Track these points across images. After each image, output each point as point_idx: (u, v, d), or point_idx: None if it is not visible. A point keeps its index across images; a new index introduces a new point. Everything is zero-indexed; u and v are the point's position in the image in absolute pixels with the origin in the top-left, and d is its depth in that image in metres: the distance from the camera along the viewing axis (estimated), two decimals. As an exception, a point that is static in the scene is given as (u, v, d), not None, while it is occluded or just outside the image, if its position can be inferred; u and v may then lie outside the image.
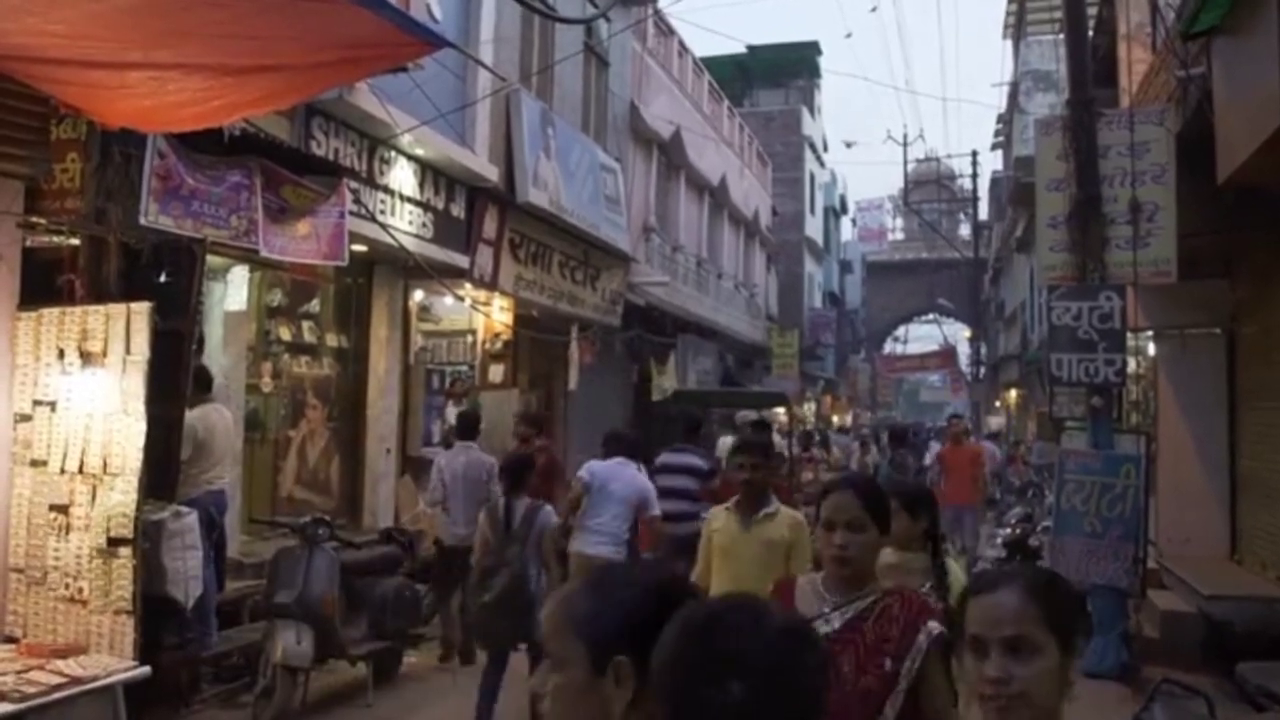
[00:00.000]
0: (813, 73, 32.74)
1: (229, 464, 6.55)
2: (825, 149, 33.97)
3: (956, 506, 10.31)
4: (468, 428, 7.65)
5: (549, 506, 5.82)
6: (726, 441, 11.75)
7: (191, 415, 5.58)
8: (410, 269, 9.37)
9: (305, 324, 9.06)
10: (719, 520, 4.07)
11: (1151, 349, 9.50)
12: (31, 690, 3.91)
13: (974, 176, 31.30)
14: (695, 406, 11.65)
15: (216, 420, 6.20)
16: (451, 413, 9.49)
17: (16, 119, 4.77)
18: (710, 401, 14.54)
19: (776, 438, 12.41)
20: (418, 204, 9.22)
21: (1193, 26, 6.20)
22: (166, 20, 3.60)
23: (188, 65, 4.00)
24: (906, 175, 32.25)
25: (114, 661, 4.35)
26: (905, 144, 30.14)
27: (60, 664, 4.22)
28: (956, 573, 3.24)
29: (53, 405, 4.75)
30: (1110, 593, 7.00)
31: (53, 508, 4.68)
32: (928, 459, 11.40)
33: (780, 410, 15.63)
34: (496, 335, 11.28)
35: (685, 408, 11.27)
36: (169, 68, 4.00)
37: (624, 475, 6.38)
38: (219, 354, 7.20)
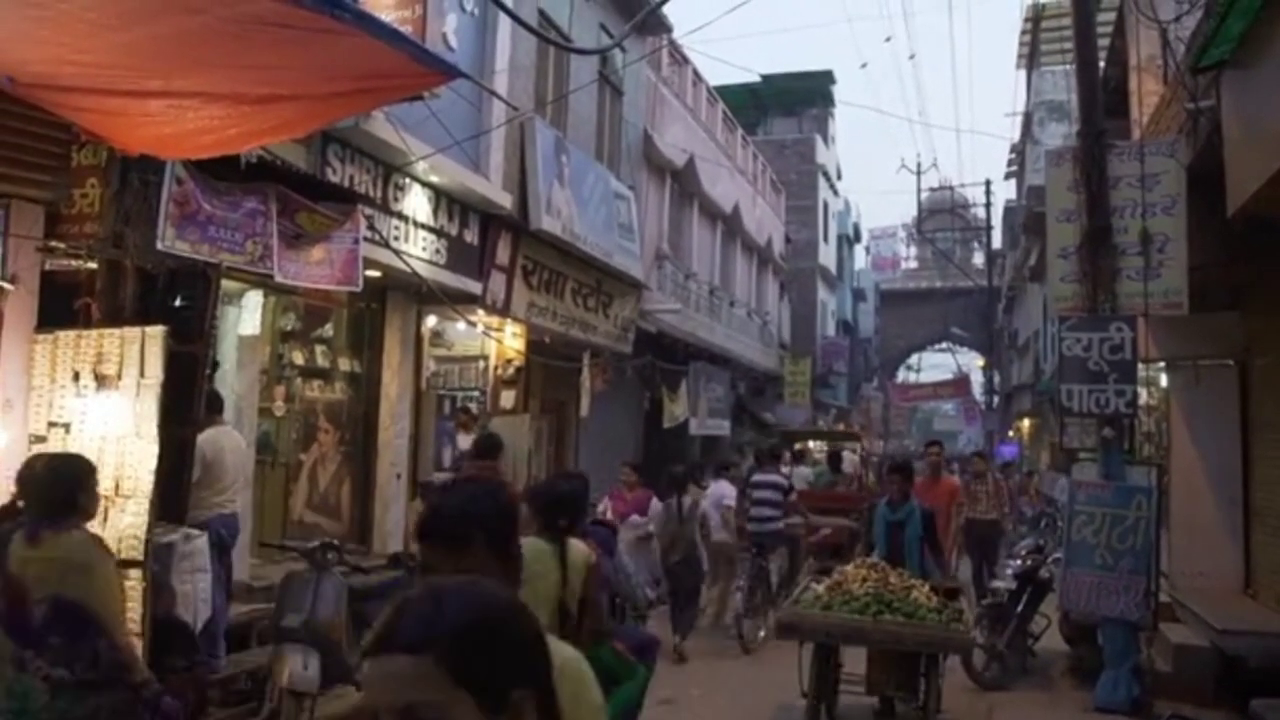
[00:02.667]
0: (827, 102, 32.88)
1: (240, 488, 6.55)
2: (839, 177, 34.08)
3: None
4: (487, 450, 7.52)
5: (703, 503, 9.44)
6: (803, 472, 14.94)
7: (200, 437, 5.61)
8: (423, 294, 9.45)
9: (318, 348, 9.13)
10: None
11: (1164, 380, 9.46)
12: (39, 711, 3.92)
13: (987, 205, 31.37)
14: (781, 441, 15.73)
15: (225, 442, 6.17)
16: (464, 439, 9.51)
17: (39, 145, 4.87)
18: (797, 438, 18.35)
19: (852, 458, 15.93)
20: (431, 230, 9.30)
21: (1202, 60, 6.21)
22: (187, 50, 3.68)
23: (207, 94, 4.07)
24: (920, 204, 32.34)
25: (122, 683, 4.35)
26: (919, 172, 30.29)
27: (69, 685, 4.23)
28: None
29: (67, 427, 4.80)
30: (1122, 626, 6.94)
31: (65, 529, 4.71)
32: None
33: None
34: (509, 361, 11.33)
35: (776, 443, 14.49)
36: (189, 96, 4.08)
37: (723, 488, 10.34)
38: (233, 378, 7.26)
